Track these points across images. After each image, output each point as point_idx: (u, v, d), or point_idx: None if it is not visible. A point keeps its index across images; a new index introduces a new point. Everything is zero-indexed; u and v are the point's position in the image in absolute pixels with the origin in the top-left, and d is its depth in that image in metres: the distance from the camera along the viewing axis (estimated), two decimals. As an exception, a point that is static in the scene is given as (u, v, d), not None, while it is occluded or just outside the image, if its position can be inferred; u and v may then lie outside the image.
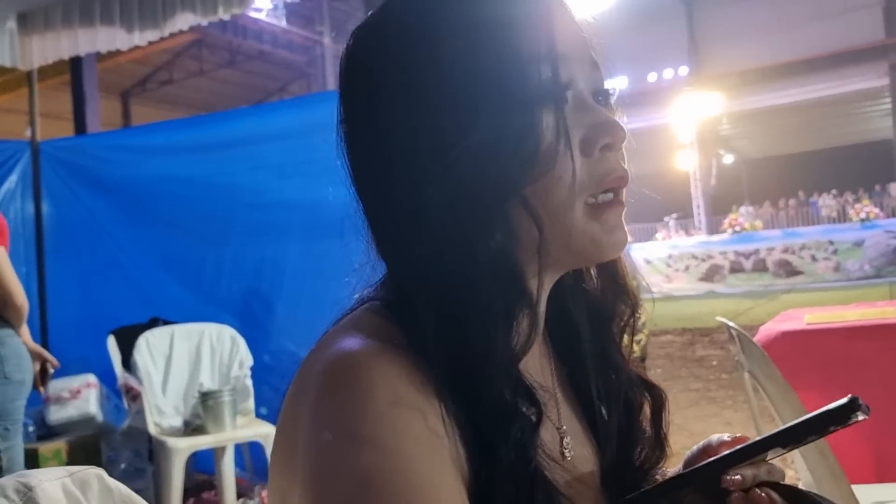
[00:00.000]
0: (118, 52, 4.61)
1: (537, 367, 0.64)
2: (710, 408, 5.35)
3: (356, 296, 0.60)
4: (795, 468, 2.49)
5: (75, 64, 7.91)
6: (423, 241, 0.53)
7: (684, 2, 22.41)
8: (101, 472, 0.72)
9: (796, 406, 1.62)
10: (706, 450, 0.64)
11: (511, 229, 0.54)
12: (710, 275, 16.41)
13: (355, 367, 0.48)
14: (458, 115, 0.52)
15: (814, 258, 15.45)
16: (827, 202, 21.21)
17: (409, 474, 0.45)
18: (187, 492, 3.34)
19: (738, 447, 0.59)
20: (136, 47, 4.52)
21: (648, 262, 16.90)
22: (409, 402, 0.47)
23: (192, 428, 3.29)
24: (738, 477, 0.57)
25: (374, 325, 0.53)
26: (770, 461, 0.61)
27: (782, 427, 0.58)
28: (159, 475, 3.20)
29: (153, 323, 3.86)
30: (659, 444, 0.70)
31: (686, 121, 20.32)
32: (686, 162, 21.75)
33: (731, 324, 1.80)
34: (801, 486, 2.17)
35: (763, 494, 0.57)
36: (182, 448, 3.08)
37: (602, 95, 0.60)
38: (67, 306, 4.38)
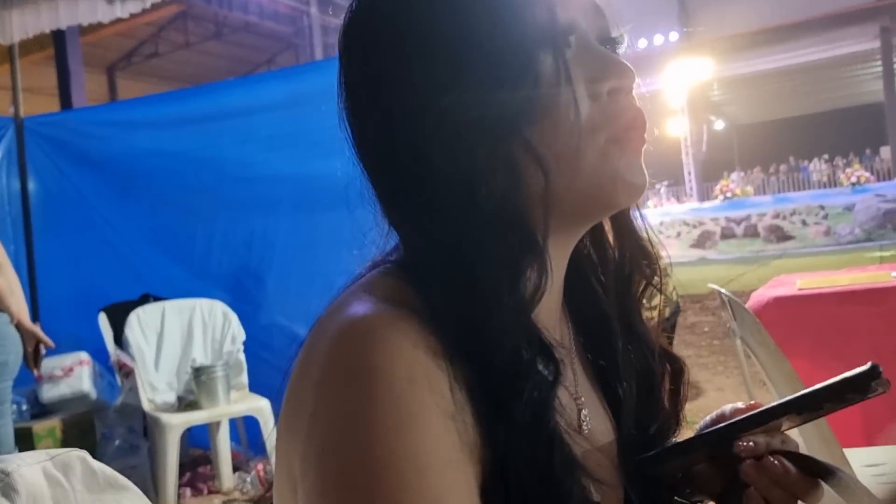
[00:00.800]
0: (101, 26, 4.54)
1: (557, 332, 0.61)
2: (701, 374, 5.39)
3: (367, 263, 0.59)
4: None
5: (58, 38, 7.80)
6: (425, 192, 0.52)
7: (674, -34, 22.17)
8: (84, 454, 0.71)
9: (788, 373, 1.63)
10: (720, 419, 0.63)
11: (513, 172, 0.52)
12: (702, 241, 16.46)
13: (367, 336, 0.46)
14: (453, 58, 0.51)
15: (804, 223, 15.51)
16: (818, 167, 21.23)
17: (417, 461, 0.43)
18: (183, 467, 3.35)
19: (751, 413, 0.58)
20: (119, 20, 4.45)
21: (640, 229, 16.90)
22: (423, 379, 0.45)
23: (185, 403, 3.29)
24: (750, 443, 0.56)
25: (387, 288, 0.52)
26: (784, 431, 0.60)
27: (798, 394, 0.56)
28: (154, 451, 3.20)
29: (144, 299, 3.84)
30: (675, 416, 0.68)
31: (676, 87, 20.21)
32: (677, 128, 21.68)
33: (723, 290, 1.80)
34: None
35: (776, 462, 0.56)
36: (176, 424, 3.08)
37: (608, 43, 0.58)
38: (57, 284, 4.35)
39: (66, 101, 9.51)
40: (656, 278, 0.66)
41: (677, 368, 0.68)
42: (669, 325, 4.39)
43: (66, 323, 4.09)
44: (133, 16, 4.50)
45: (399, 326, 0.47)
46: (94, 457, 2.60)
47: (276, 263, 3.78)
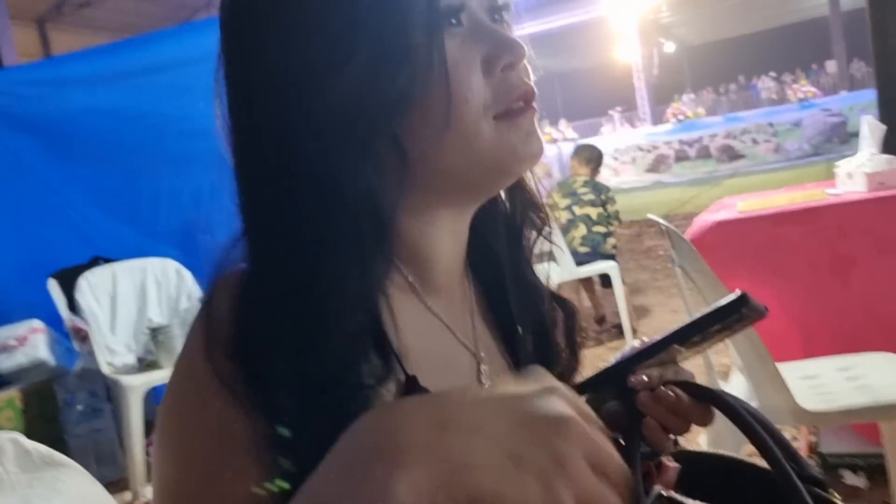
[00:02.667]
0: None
1: (456, 297, 0.64)
2: (657, 297, 5.53)
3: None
4: (729, 354, 2.61)
5: (-20, -8, 7.39)
6: (286, 176, 0.53)
7: None
8: (17, 436, 0.72)
9: (724, 295, 1.68)
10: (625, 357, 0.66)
11: (383, 163, 0.53)
12: (656, 165, 16.63)
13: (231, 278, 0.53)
14: (323, 40, 0.51)
15: (755, 141, 15.73)
16: (766, 84, 21.43)
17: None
18: (149, 425, 3.37)
19: (638, 348, 0.61)
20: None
21: (595, 157, 17.00)
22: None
23: (146, 364, 3.29)
24: (642, 377, 0.59)
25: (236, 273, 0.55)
26: (681, 363, 0.64)
27: (678, 326, 0.59)
28: (118, 414, 3.21)
29: (94, 262, 3.77)
30: (574, 356, 0.72)
31: (626, 11, 20.04)
32: (628, 53, 21.61)
33: (661, 221, 1.84)
34: (734, 369, 2.28)
35: (669, 392, 0.59)
36: (137, 385, 3.08)
37: (498, 12, 0.59)
38: (3, 252, 4.25)
39: (-5, 58, 9.13)
40: (546, 228, 0.69)
41: (569, 311, 0.71)
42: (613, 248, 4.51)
43: (16, 291, 4.01)
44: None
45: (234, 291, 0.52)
46: (58, 423, 2.59)
47: (226, 216, 3.73)
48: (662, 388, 0.59)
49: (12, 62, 9.85)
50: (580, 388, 0.64)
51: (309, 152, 0.52)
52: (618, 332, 4.54)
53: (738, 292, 0.58)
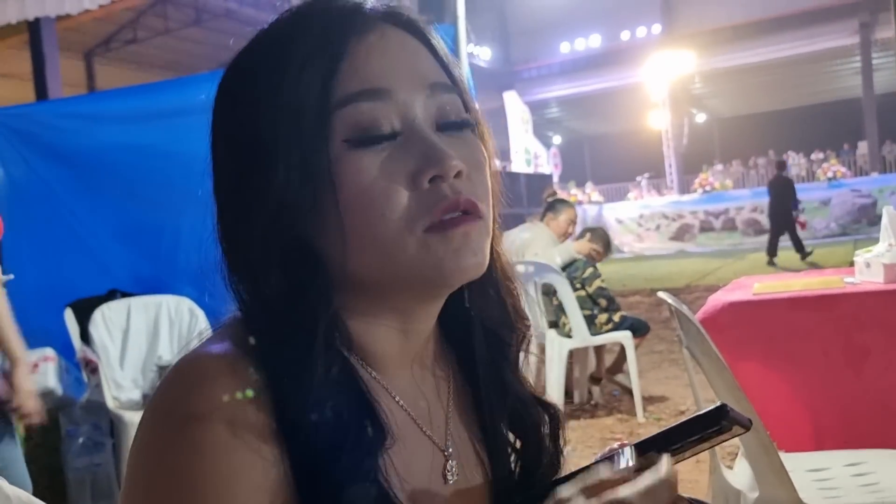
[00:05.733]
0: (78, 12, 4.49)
1: (431, 388, 0.64)
2: (671, 370, 5.45)
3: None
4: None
5: (33, 23, 7.68)
6: (243, 258, 0.59)
7: (657, -41, 22.22)
8: None
9: (730, 382, 1.66)
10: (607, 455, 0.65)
11: (296, 268, 0.56)
12: (681, 234, 16.58)
13: (196, 378, 0.52)
14: (254, 144, 0.56)
15: (782, 217, 15.63)
16: (796, 161, 21.41)
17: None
18: (148, 463, 3.35)
19: (594, 461, 0.59)
20: (87, 10, 4.40)
21: (620, 221, 17.02)
22: (242, 429, 0.50)
23: (151, 401, 3.29)
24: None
25: (238, 336, 0.56)
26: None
27: (653, 434, 0.58)
28: (119, 450, 3.20)
29: (111, 295, 3.82)
30: (557, 455, 0.70)
31: (658, 79, 20.28)
32: (658, 121, 21.78)
33: (670, 300, 1.83)
34: (739, 456, 2.22)
35: None
36: (140, 422, 3.08)
37: (452, 124, 0.58)
38: (24, 278, 4.28)
39: (40, 88, 9.38)
40: (528, 337, 0.69)
41: (553, 415, 0.70)
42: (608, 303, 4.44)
43: (34, 317, 4.04)
44: (112, 2, 4.44)
45: (238, 367, 0.52)
46: (58, 455, 2.56)
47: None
48: None
49: (56, 93, 10.14)
50: (555, 485, 0.63)
51: (248, 237, 0.57)
52: (629, 402, 4.47)
53: (717, 403, 0.57)
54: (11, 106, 4.85)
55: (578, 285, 4.39)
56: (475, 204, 0.56)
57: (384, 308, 0.59)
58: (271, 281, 0.55)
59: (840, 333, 2.33)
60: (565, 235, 4.86)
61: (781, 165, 12.76)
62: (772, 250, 11.87)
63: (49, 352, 3.81)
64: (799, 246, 11.76)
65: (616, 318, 4.37)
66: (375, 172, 0.54)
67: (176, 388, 0.52)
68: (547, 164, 18.93)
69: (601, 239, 4.78)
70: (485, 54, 21.39)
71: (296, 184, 0.54)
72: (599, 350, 4.72)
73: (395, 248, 0.54)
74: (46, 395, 3.67)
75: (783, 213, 11.85)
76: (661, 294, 1.91)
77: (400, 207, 0.54)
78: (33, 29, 8.84)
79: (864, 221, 14.71)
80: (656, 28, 22.18)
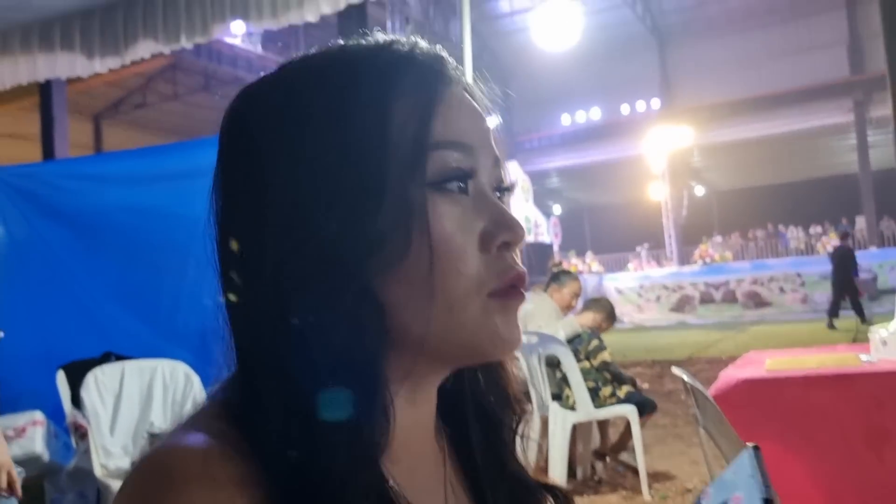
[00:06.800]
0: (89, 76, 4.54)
1: (428, 466, 0.60)
2: (676, 445, 5.31)
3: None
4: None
5: (45, 86, 7.82)
6: (275, 323, 0.50)
7: (656, 36, 22.84)
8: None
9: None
10: None
11: (365, 321, 0.50)
12: (681, 305, 16.51)
13: (173, 476, 0.44)
14: (319, 190, 0.50)
15: (782, 290, 15.62)
16: (795, 234, 21.51)
17: None
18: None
19: None
20: (98, 74, 4.45)
21: (620, 292, 16.97)
22: None
23: (140, 470, 3.17)
24: None
25: (214, 429, 0.48)
26: None
27: None
28: (104, 520, 3.07)
29: (106, 358, 3.73)
30: None
31: (658, 152, 20.57)
32: (658, 193, 21.99)
33: (686, 376, 1.76)
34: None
35: None
36: (128, 492, 2.96)
37: (503, 192, 0.58)
38: (18, 337, 4.22)
39: (48, 148, 9.48)
40: (525, 418, 0.66)
41: (560, 498, 0.66)
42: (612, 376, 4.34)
43: (26, 378, 3.96)
44: (111, 70, 4.51)
45: (218, 464, 0.45)
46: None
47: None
48: None
49: (63, 154, 10.24)
50: None
51: (292, 299, 0.49)
52: (634, 479, 4.33)
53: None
54: (16, 165, 4.86)
55: (583, 357, 4.31)
56: (527, 279, 0.55)
57: (399, 372, 0.54)
58: (329, 340, 0.48)
59: (859, 414, 2.25)
60: (569, 308, 4.80)
61: (844, 236, 13.93)
62: (833, 313, 12.75)
63: (38, 415, 3.71)
64: (859, 311, 12.61)
65: (621, 392, 4.28)
66: (455, 224, 0.52)
67: (138, 496, 0.45)
68: (547, 233, 19.01)
69: (605, 310, 4.72)
70: (494, 124, 21.68)
71: (387, 223, 0.50)
72: (604, 425, 4.61)
73: (460, 305, 0.52)
74: (32, 460, 3.56)
75: (846, 280, 12.79)
76: (675, 370, 1.84)
77: (473, 266, 0.52)
78: (44, 91, 8.99)
79: (866, 296, 14.65)
80: (655, 102, 22.62)
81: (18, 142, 12.74)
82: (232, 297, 0.54)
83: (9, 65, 4.43)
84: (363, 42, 0.56)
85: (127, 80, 14.91)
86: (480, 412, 0.64)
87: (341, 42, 0.57)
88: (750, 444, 0.53)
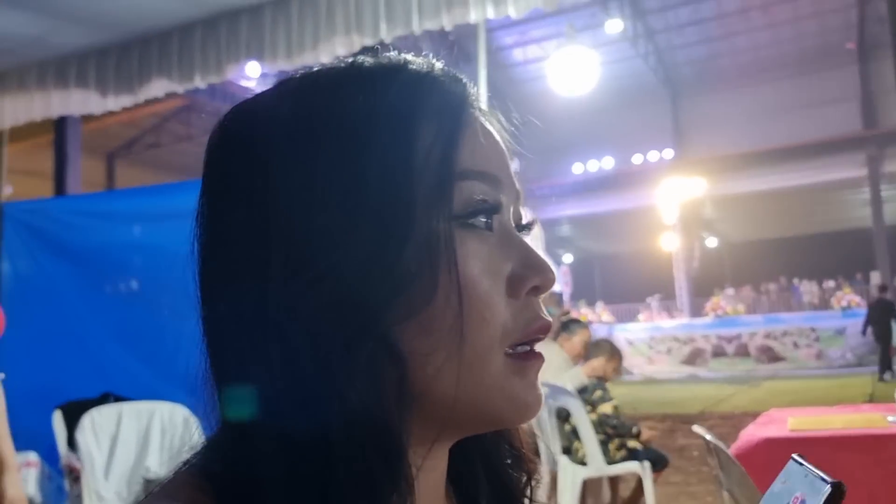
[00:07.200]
0: (104, 113, 4.55)
1: None
2: (689, 504, 5.13)
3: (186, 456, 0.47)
4: None
5: (60, 124, 7.94)
6: (272, 380, 0.42)
7: (668, 88, 23.02)
8: None
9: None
10: None
11: (385, 377, 0.43)
12: (693, 358, 16.28)
13: None
14: (333, 221, 0.43)
15: (796, 345, 15.39)
16: (808, 288, 21.31)
17: None
18: (124, 588, 3.08)
19: None
20: (111, 112, 4.46)
21: (630, 343, 16.76)
22: None
23: (133, 517, 3.06)
24: None
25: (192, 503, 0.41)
26: None
27: None
28: (92, 570, 2.95)
29: (104, 398, 3.66)
30: None
31: (670, 202, 20.54)
32: (669, 243, 21.90)
33: (709, 436, 1.66)
34: None
35: None
36: (118, 541, 2.85)
37: (523, 230, 0.51)
38: (17, 375, 4.14)
39: (60, 185, 9.57)
40: (535, 480, 0.58)
41: None
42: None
43: (22, 417, 3.84)
44: (137, 106, 4.52)
45: None
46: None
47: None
48: None
49: (75, 191, 10.33)
50: None
51: (292, 351, 0.41)
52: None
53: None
54: (26, 200, 4.85)
55: (589, 408, 4.17)
56: (550, 329, 0.48)
57: (419, 438, 0.46)
58: (343, 401, 0.41)
59: (889, 477, 2.13)
60: (579, 357, 4.69)
61: (883, 289, 14.30)
62: (885, 364, 12.99)
63: (32, 456, 3.61)
64: (887, 364, 12.97)
65: (630, 444, 4.13)
66: (483, 265, 0.45)
67: None
68: (558, 282, 18.93)
69: (605, 352, 4.56)
70: (515, 166, 21.83)
71: (412, 261, 0.43)
72: (614, 480, 4.45)
73: (482, 361, 0.45)
74: None
75: (887, 332, 13.12)
76: (695, 428, 1.74)
77: (500, 314, 0.45)
78: (59, 128, 9.12)
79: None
80: (668, 153, 22.68)
81: (32, 178, 12.86)
82: (218, 347, 0.46)
83: (24, 101, 4.44)
84: (377, 59, 0.49)
85: (141, 120, 15.11)
86: (491, 474, 0.56)
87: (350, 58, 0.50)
88: (794, 455, 0.45)
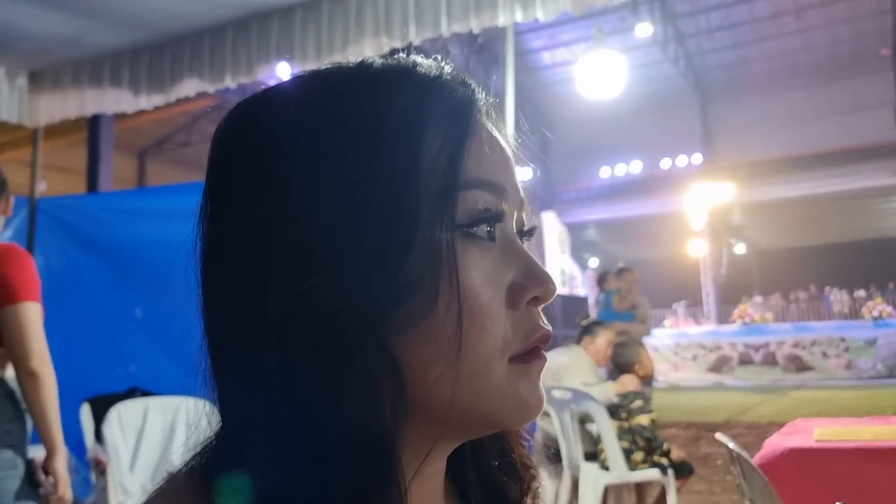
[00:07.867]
0: (137, 112, 4.62)
1: None
2: (713, 513, 5.08)
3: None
4: None
5: (93, 122, 8.08)
6: (268, 384, 0.42)
7: (698, 92, 22.79)
8: None
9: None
10: None
11: (383, 386, 0.43)
12: (719, 366, 16.09)
13: None
14: (335, 227, 0.43)
15: (825, 354, 15.13)
16: (839, 297, 20.98)
17: None
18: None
19: None
20: (143, 111, 4.52)
21: (656, 349, 16.61)
22: None
23: (158, 510, 3.10)
24: None
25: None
26: None
27: None
28: (117, 561, 2.99)
29: (131, 393, 3.71)
30: None
31: (698, 208, 20.34)
32: (697, 249, 21.69)
33: (732, 444, 1.64)
34: None
35: None
36: (142, 534, 2.88)
37: (525, 236, 0.52)
38: (46, 368, 4.24)
39: (92, 182, 9.74)
40: (535, 485, 0.58)
41: None
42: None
43: (51, 410, 3.94)
44: (168, 105, 4.58)
45: None
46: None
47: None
48: None
49: (107, 187, 10.52)
50: None
51: (288, 360, 0.42)
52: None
53: None
54: (58, 196, 4.94)
55: (624, 415, 4.12)
56: (550, 338, 0.49)
57: (414, 446, 0.47)
58: (339, 409, 0.41)
59: (918, 492, 2.09)
60: (605, 359, 4.65)
61: None
62: None
63: (60, 449, 3.66)
64: None
65: (657, 459, 4.08)
66: (484, 275, 0.46)
67: None
68: (582, 286, 18.81)
69: (629, 351, 4.49)
70: (525, 174, 21.79)
71: (415, 270, 0.43)
72: (641, 487, 4.41)
73: (483, 370, 0.45)
74: (50, 495, 3.50)
75: None
76: (718, 436, 1.72)
77: (500, 325, 0.46)
78: (92, 126, 9.29)
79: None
80: (697, 158, 22.46)
81: (66, 175, 13.09)
82: (217, 348, 0.46)
83: (59, 99, 4.52)
84: (385, 61, 0.49)
85: (172, 119, 15.28)
86: (485, 481, 0.56)
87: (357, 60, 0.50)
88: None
